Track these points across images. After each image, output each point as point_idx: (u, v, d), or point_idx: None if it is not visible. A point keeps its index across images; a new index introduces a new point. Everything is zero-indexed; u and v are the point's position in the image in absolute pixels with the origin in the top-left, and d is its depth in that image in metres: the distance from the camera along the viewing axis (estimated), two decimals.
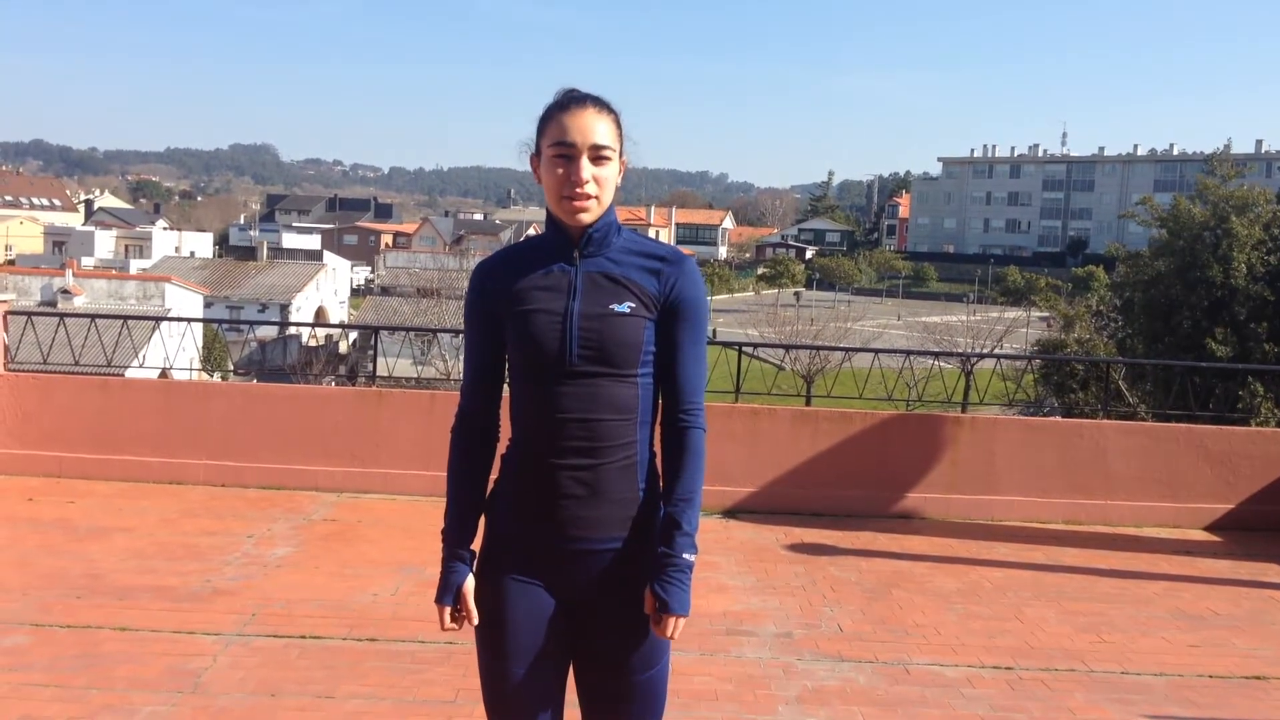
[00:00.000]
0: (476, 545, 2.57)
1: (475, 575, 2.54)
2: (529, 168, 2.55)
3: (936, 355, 10.04)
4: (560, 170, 2.42)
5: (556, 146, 2.42)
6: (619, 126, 2.50)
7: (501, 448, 2.60)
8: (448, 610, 2.52)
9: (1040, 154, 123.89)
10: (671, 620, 2.42)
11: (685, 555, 2.44)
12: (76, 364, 8.53)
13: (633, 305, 2.44)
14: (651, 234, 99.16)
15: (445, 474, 2.60)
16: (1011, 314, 48.00)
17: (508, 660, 2.48)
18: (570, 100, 2.46)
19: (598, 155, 2.43)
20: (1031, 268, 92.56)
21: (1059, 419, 10.14)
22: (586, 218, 2.44)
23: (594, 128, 2.42)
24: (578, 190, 2.41)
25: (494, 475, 2.60)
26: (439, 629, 2.55)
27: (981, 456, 8.19)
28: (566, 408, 2.42)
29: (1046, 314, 34.35)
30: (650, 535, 2.49)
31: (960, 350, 31.00)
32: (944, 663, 5.20)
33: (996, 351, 33.31)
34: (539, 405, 2.44)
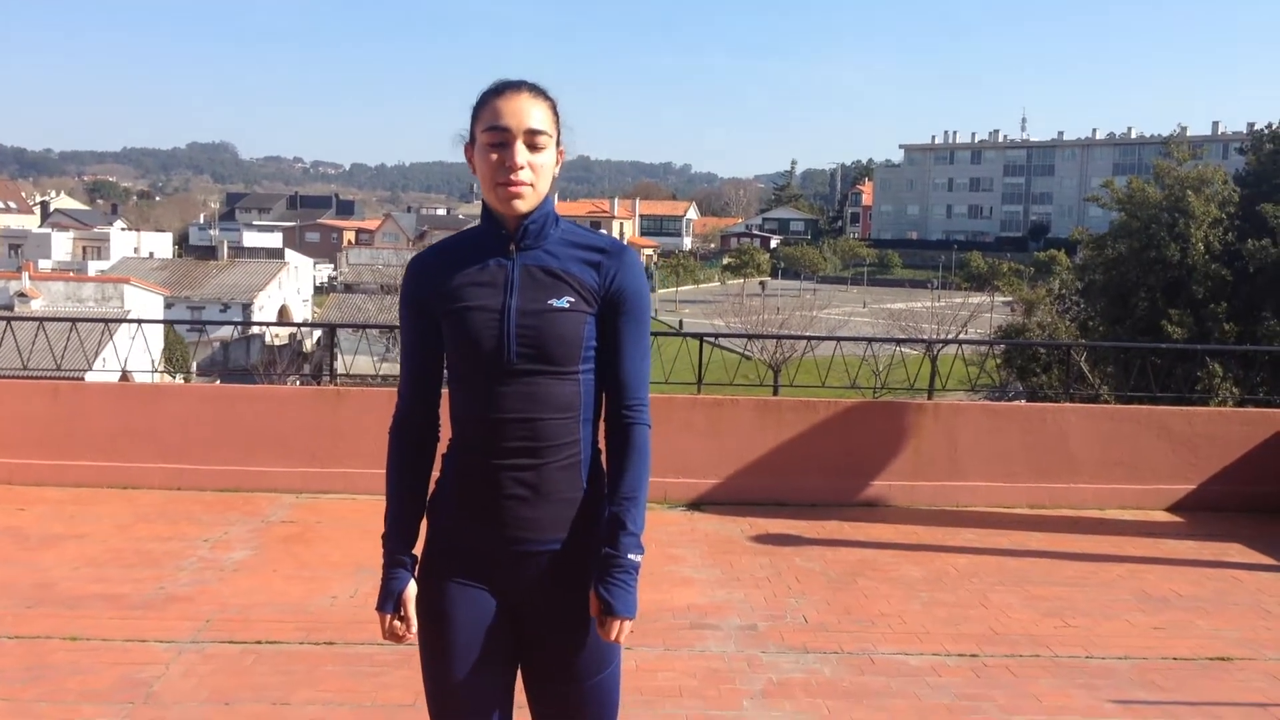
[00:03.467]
0: (418, 549, 2.49)
1: (417, 579, 2.46)
2: (464, 159, 2.46)
3: (899, 342, 10.02)
4: (494, 156, 2.34)
5: (490, 132, 2.34)
6: (556, 114, 2.41)
7: (442, 447, 2.52)
8: (389, 618, 2.44)
9: (1001, 139, 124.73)
10: (616, 623, 2.35)
11: (630, 555, 2.37)
12: (25, 368, 8.36)
13: (572, 300, 2.36)
14: (615, 226, 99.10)
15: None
16: (975, 299, 48.36)
17: (451, 665, 2.41)
18: (505, 85, 2.38)
19: (533, 141, 2.34)
20: (994, 253, 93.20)
21: (1022, 403, 10.16)
22: (522, 205, 2.36)
23: (529, 112, 2.34)
24: (512, 176, 2.33)
25: (435, 476, 2.52)
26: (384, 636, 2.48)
27: (945, 443, 8.18)
28: (506, 407, 2.35)
29: (1009, 298, 34.60)
30: (595, 535, 2.41)
31: (924, 336, 31.13)
32: (909, 651, 5.17)
33: (960, 337, 33.51)
34: (478, 405, 2.37)
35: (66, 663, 4.72)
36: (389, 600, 2.44)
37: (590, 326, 2.39)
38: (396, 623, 2.45)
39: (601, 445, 2.48)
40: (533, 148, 2.35)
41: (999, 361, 23.18)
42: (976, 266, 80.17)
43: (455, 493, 2.43)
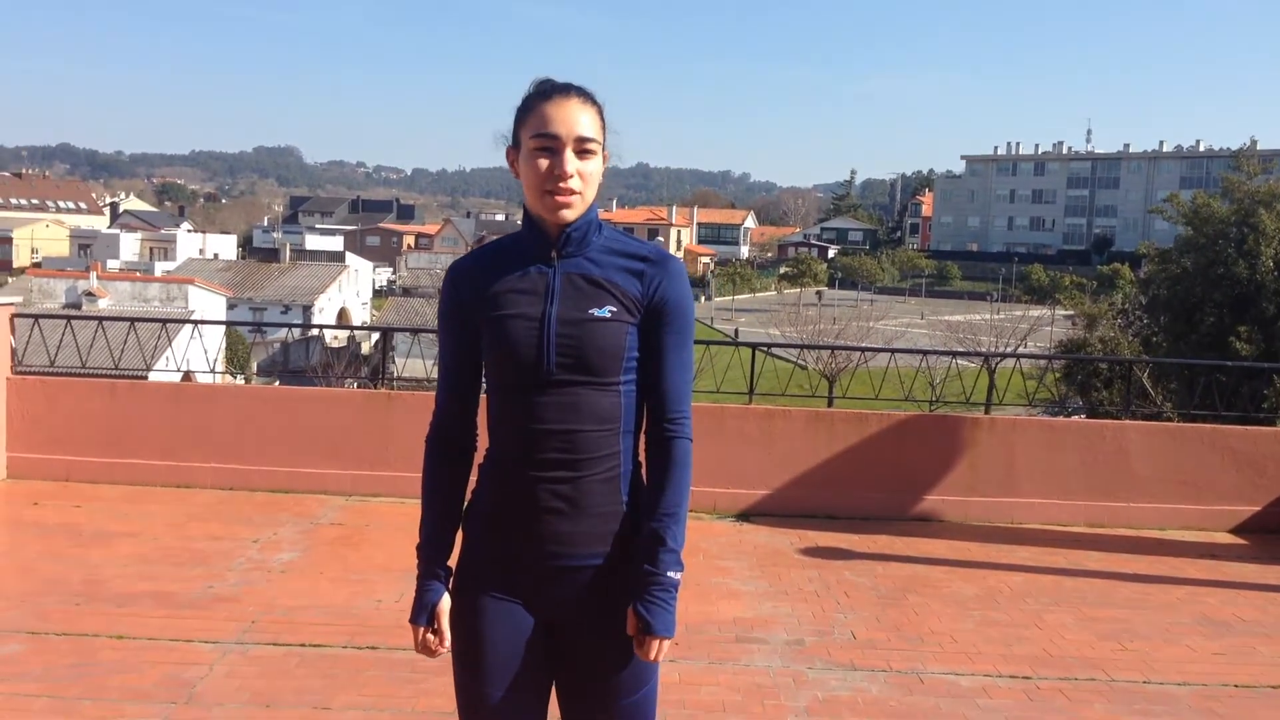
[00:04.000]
0: (453, 561, 2.44)
1: (451, 593, 2.41)
2: (506, 161, 2.42)
3: (955, 355, 9.87)
4: (543, 163, 2.28)
5: (539, 139, 2.28)
6: (603, 119, 2.35)
7: (479, 457, 2.47)
8: (423, 630, 2.40)
9: (1065, 151, 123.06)
10: (655, 642, 2.28)
11: (670, 573, 2.30)
12: (84, 367, 8.47)
13: (614, 309, 2.30)
14: (673, 234, 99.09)
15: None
16: (1036, 312, 47.57)
17: (485, 682, 2.35)
18: (553, 89, 2.32)
19: (582, 148, 2.29)
20: (1056, 266, 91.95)
21: (1079, 419, 9.96)
22: (569, 214, 2.30)
23: (578, 119, 2.28)
24: (561, 185, 2.27)
25: (471, 486, 2.47)
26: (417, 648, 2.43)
27: (1001, 458, 8.02)
28: (545, 418, 2.29)
29: (1071, 312, 34.03)
30: (634, 551, 2.35)
31: (981, 349, 30.73)
32: (959, 671, 5.05)
33: (1019, 350, 33.01)
34: (516, 415, 2.32)
35: (112, 660, 4.75)
36: (423, 613, 2.40)
37: (632, 336, 2.33)
38: (430, 636, 2.40)
39: (642, 458, 2.42)
40: (582, 155, 2.29)
41: (1058, 376, 22.81)
42: (1037, 279, 79.13)
43: (491, 505, 2.38)
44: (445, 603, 2.40)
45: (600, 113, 2.35)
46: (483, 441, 2.48)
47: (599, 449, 2.32)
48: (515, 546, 2.35)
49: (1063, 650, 5.37)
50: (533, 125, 2.30)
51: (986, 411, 8.76)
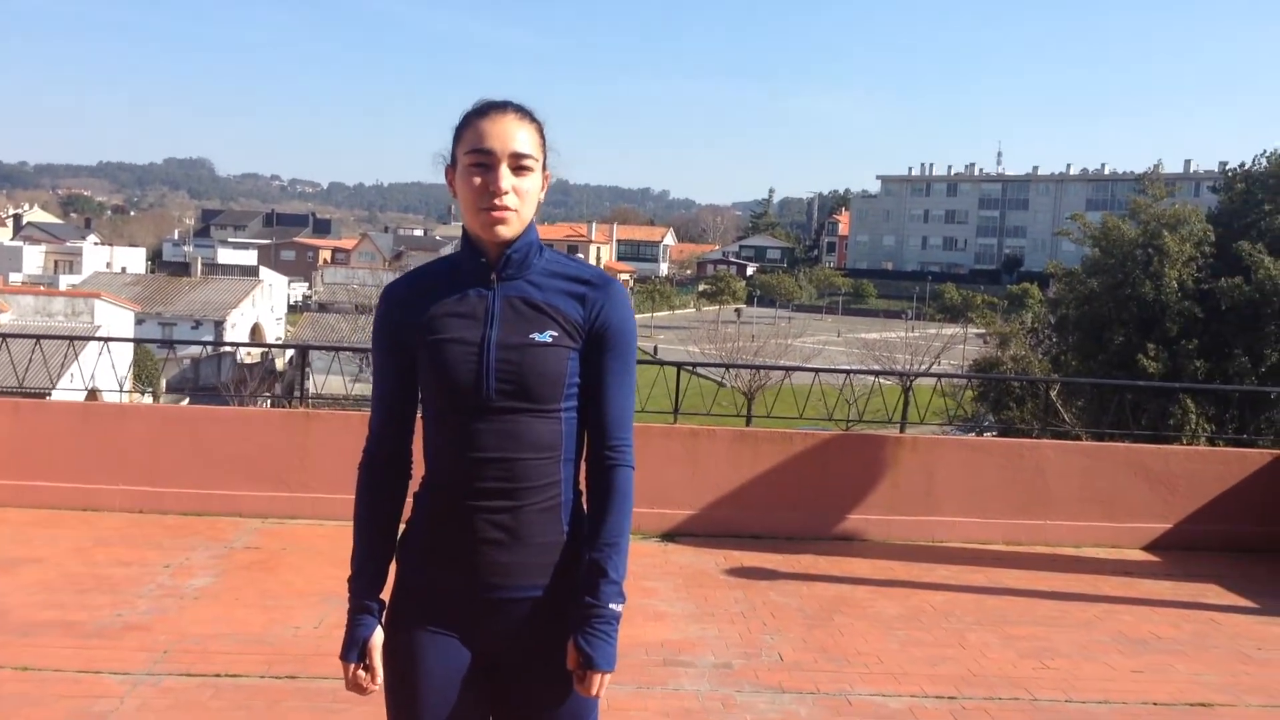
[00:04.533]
0: (387, 594, 2.36)
1: (384, 627, 2.33)
2: (444, 180, 2.36)
3: (878, 374, 9.97)
4: (477, 180, 2.23)
5: (473, 154, 2.23)
6: (542, 136, 2.30)
7: (414, 485, 2.40)
8: (354, 667, 2.31)
9: (976, 173, 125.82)
10: (597, 677, 2.23)
11: (611, 605, 2.25)
12: None
13: (555, 334, 2.25)
14: (593, 250, 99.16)
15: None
16: (949, 330, 48.55)
17: (420, 719, 2.27)
18: (489, 106, 2.27)
19: (518, 164, 2.23)
20: (968, 285, 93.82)
21: (1000, 439, 10.12)
22: (505, 231, 2.24)
23: (514, 135, 2.23)
24: (496, 201, 2.21)
25: (406, 515, 2.40)
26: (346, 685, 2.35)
27: (922, 477, 8.10)
28: (483, 445, 2.22)
29: (983, 331, 34.71)
30: (575, 582, 2.29)
31: (900, 368, 31.17)
32: (886, 693, 5.06)
33: (936, 370, 33.54)
34: (453, 442, 2.25)
35: (16, 694, 4.55)
36: (353, 649, 2.31)
37: (573, 362, 2.28)
38: (361, 673, 2.32)
39: (583, 487, 2.37)
40: (518, 171, 2.24)
41: (974, 394, 23.21)
42: (950, 298, 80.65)
43: (426, 535, 2.31)
44: (377, 638, 2.32)
45: (540, 130, 2.31)
46: (418, 469, 2.41)
47: (539, 478, 2.26)
48: (451, 578, 2.28)
49: (986, 669, 5.41)
50: (468, 141, 2.25)
51: (901, 430, 8.86)
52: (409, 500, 2.40)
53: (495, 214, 2.23)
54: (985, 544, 7.97)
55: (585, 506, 2.35)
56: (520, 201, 2.25)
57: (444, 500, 2.28)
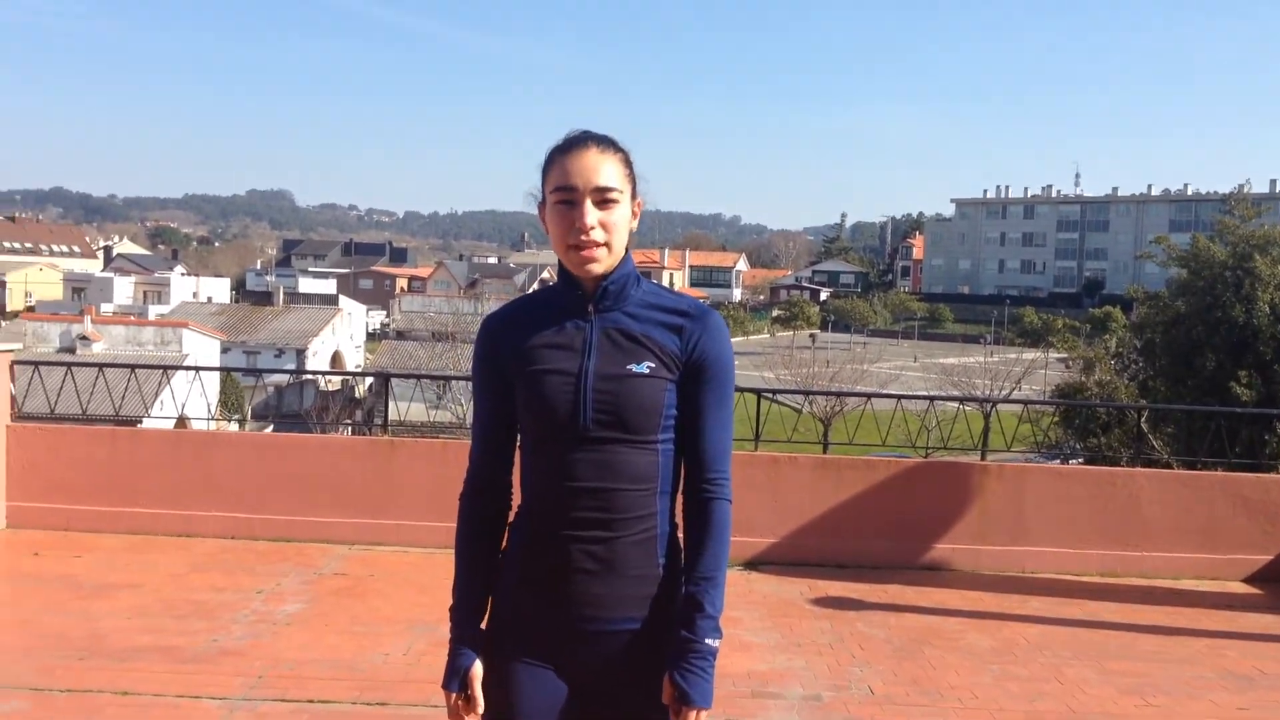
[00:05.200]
0: (486, 622, 2.37)
1: (483, 657, 2.33)
2: (539, 217, 2.37)
3: (960, 400, 9.83)
4: (563, 217, 2.24)
5: (558, 192, 2.24)
6: (629, 166, 2.31)
7: (512, 515, 2.40)
8: (455, 697, 2.32)
9: (1054, 194, 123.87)
10: (692, 713, 2.21)
11: (708, 640, 2.23)
12: (84, 414, 8.39)
13: (652, 365, 2.25)
14: (665, 276, 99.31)
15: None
16: (1029, 355, 47.71)
17: None
18: (571, 142, 2.28)
19: (603, 198, 2.24)
20: (1047, 308, 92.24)
21: (1091, 467, 9.90)
22: (596, 268, 2.25)
23: (597, 169, 2.24)
24: (582, 238, 2.22)
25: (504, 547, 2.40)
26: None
27: (1011, 505, 7.95)
28: (580, 476, 2.22)
29: (1065, 355, 34.09)
30: (671, 616, 2.27)
31: (980, 394, 30.69)
32: None
33: (1018, 395, 32.98)
34: (550, 473, 2.25)
35: (117, 718, 4.63)
36: (454, 678, 2.32)
37: (671, 394, 2.27)
38: (461, 702, 2.32)
39: (679, 519, 2.35)
40: (603, 205, 2.24)
41: (1056, 420, 22.76)
42: (1030, 322, 79.29)
43: (523, 565, 2.32)
44: (477, 668, 2.33)
45: (625, 160, 2.31)
46: (517, 499, 2.41)
47: (635, 509, 2.26)
48: (547, 609, 2.28)
49: (1086, 706, 5.28)
50: (553, 179, 2.26)
51: (982, 457, 8.70)
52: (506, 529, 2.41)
53: (584, 251, 2.24)
54: (1079, 575, 7.79)
55: (681, 539, 2.33)
56: (608, 235, 2.25)
57: (540, 530, 2.28)
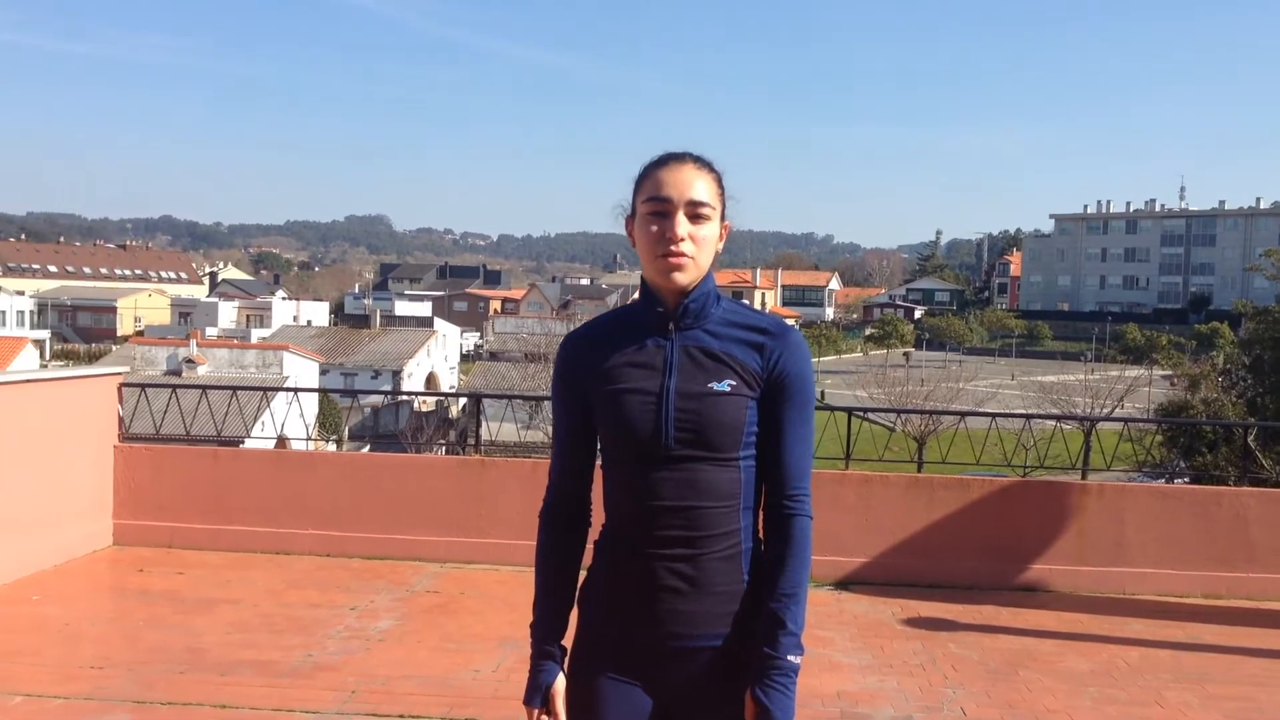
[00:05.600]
0: (568, 640, 2.39)
1: (566, 674, 2.35)
2: (625, 231, 2.39)
3: (1057, 418, 9.63)
4: (654, 227, 2.25)
5: (651, 202, 2.26)
6: (720, 186, 2.32)
7: (594, 534, 2.42)
8: (537, 713, 2.34)
9: (1158, 208, 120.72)
10: None
11: (790, 657, 2.21)
12: (187, 434, 8.64)
13: (733, 383, 2.25)
14: (758, 296, 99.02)
15: None
16: (1132, 373, 46.46)
17: None
18: (668, 157, 2.31)
19: (695, 212, 2.25)
20: (1151, 325, 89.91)
21: (1194, 486, 9.62)
22: (682, 278, 2.26)
23: (691, 183, 2.25)
24: (672, 248, 2.23)
25: (587, 563, 2.42)
26: None
27: (1111, 526, 7.75)
28: (662, 494, 2.23)
29: (1169, 373, 33.19)
30: (753, 632, 2.26)
31: (1080, 412, 30.02)
32: None
33: (1119, 414, 32.14)
34: (633, 491, 2.26)
35: None
36: (536, 694, 2.34)
37: (752, 411, 2.27)
38: (544, 718, 2.34)
39: (761, 535, 2.35)
40: (695, 219, 2.26)
41: (1161, 439, 22.16)
42: (1133, 339, 77.35)
43: (607, 583, 2.33)
44: (560, 684, 2.34)
45: (718, 180, 2.33)
46: (597, 517, 2.43)
47: (719, 526, 2.25)
48: (633, 626, 2.29)
49: None
50: (646, 190, 2.28)
51: (1083, 477, 8.50)
52: (589, 547, 2.42)
53: (672, 260, 2.24)
54: (1182, 597, 7.56)
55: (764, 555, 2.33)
56: (697, 249, 2.26)
57: (624, 549, 2.29)
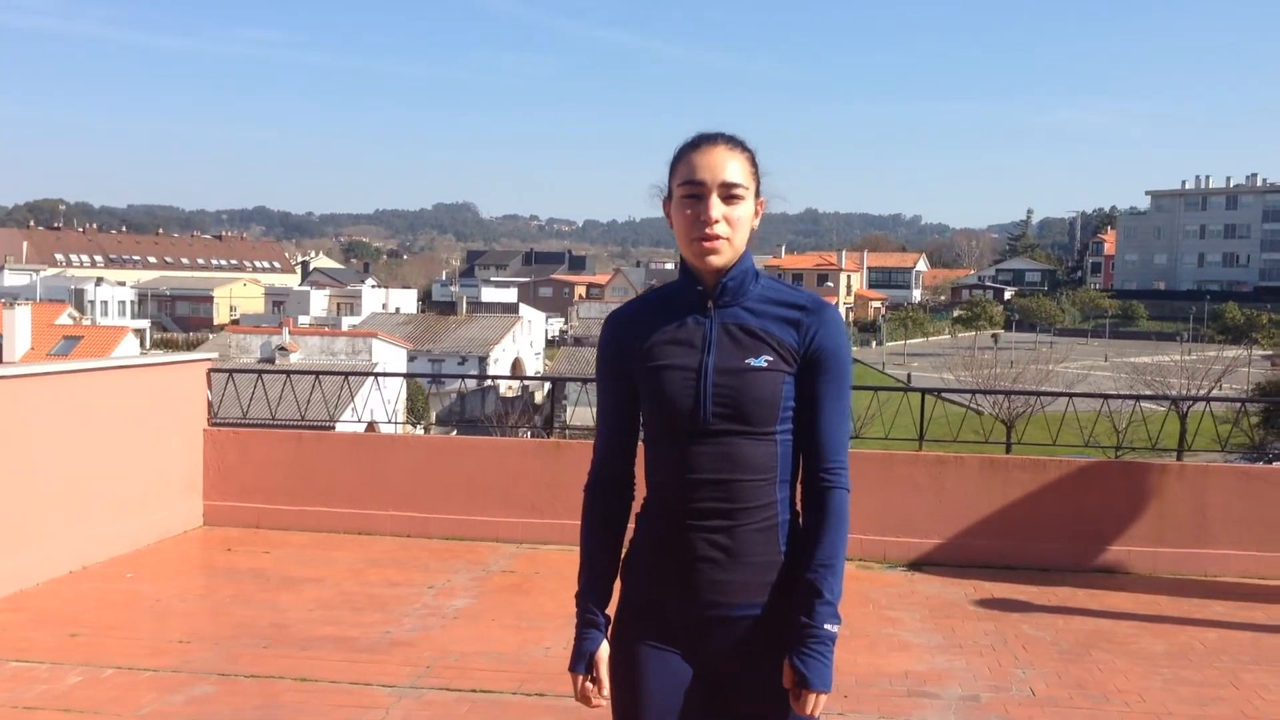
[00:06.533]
0: (612, 609, 2.47)
1: (610, 641, 2.43)
2: (663, 213, 2.45)
3: (1139, 398, 9.46)
4: (689, 210, 2.32)
5: (685, 185, 2.32)
6: (754, 165, 2.37)
7: (636, 506, 2.50)
8: (581, 679, 2.42)
9: (1260, 183, 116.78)
10: (812, 697, 2.25)
11: (827, 626, 2.27)
12: (273, 418, 8.91)
13: (770, 359, 2.30)
14: (843, 279, 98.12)
15: None
16: (1231, 353, 45.15)
17: None
18: (701, 139, 2.36)
19: (729, 194, 2.31)
20: (1252, 304, 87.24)
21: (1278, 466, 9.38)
22: (717, 260, 2.32)
23: (724, 165, 2.31)
24: (707, 230, 2.29)
25: (630, 535, 2.50)
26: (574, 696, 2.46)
27: (1192, 507, 7.62)
28: (701, 468, 2.30)
29: (1270, 352, 32.21)
30: (791, 603, 2.32)
31: (1171, 392, 29.29)
32: None
33: (1211, 393, 31.28)
34: (672, 465, 2.33)
35: (295, 703, 4.94)
36: (581, 661, 2.42)
37: (789, 386, 2.32)
38: (589, 684, 2.43)
39: (799, 508, 2.40)
40: (729, 200, 2.31)
41: (1257, 420, 21.57)
42: (1232, 318, 75.15)
43: (648, 554, 2.40)
44: (603, 651, 2.42)
45: (751, 159, 2.37)
46: (640, 491, 2.50)
47: (755, 499, 2.31)
48: (672, 596, 2.36)
49: (1262, 712, 5.04)
50: (681, 173, 2.34)
51: (1178, 458, 8.34)
52: (632, 520, 2.50)
53: (707, 243, 2.30)
54: (1266, 579, 7.41)
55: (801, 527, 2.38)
56: (732, 230, 2.32)
57: (664, 521, 2.36)
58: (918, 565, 7.69)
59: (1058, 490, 7.76)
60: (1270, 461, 19.92)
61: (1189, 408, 9.12)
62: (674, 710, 2.35)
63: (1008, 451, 10.12)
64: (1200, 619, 6.58)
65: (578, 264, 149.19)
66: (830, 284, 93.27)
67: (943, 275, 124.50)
